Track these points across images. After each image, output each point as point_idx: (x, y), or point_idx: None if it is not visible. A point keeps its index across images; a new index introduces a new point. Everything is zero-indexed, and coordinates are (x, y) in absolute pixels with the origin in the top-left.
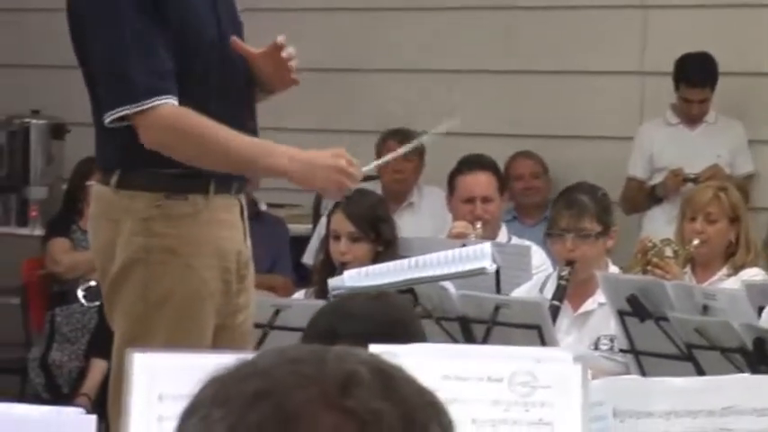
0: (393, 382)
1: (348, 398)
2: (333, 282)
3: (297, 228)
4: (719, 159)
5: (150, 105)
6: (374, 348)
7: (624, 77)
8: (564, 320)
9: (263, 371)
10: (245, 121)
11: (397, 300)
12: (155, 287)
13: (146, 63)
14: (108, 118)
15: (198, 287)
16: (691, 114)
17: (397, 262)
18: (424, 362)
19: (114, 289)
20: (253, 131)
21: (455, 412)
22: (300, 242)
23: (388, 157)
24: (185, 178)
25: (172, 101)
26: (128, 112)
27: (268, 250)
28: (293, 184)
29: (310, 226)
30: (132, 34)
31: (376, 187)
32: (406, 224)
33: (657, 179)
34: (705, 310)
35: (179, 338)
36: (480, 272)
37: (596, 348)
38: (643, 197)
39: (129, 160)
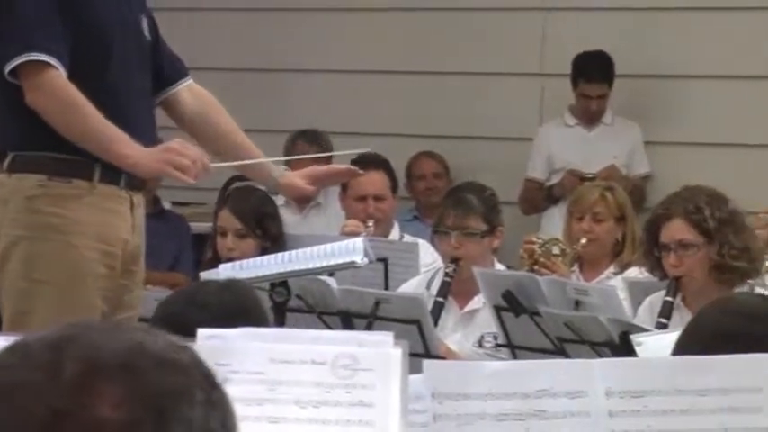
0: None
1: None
2: (206, 275)
3: (201, 226)
4: (616, 160)
5: (41, 59)
6: (203, 333)
7: (524, 79)
8: (450, 318)
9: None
10: (140, 126)
11: (244, 288)
12: (37, 264)
13: (45, 28)
14: (7, 69)
15: (79, 263)
16: (589, 112)
17: (272, 256)
18: (251, 345)
19: (1, 268)
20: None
21: (280, 394)
22: (205, 240)
23: (248, 161)
24: (70, 163)
25: (62, 70)
26: (24, 59)
27: (170, 248)
28: (139, 172)
29: None
30: (38, 8)
31: None
32: (314, 224)
33: (555, 180)
34: (577, 305)
35: (63, 315)
36: (351, 265)
37: (481, 346)
38: (541, 197)
39: (22, 144)
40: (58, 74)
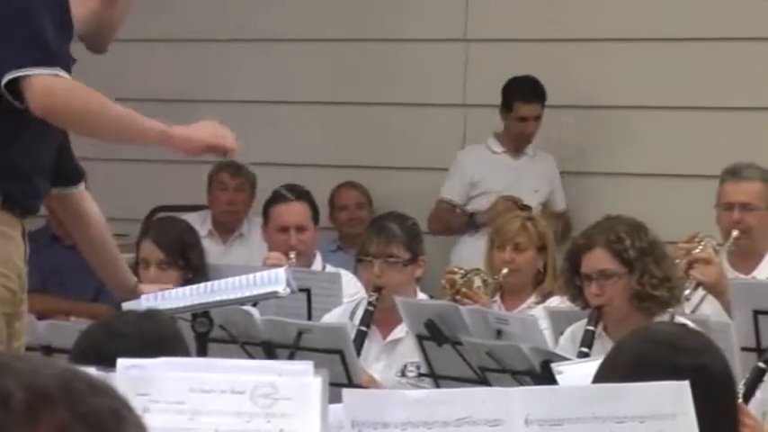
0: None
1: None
2: (128, 305)
3: (123, 257)
4: (537, 194)
5: (58, 73)
6: (123, 363)
7: (447, 109)
8: (373, 347)
9: None
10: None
11: (164, 318)
12: None
13: (55, 40)
14: (15, 74)
15: None
16: (524, 135)
17: (194, 286)
18: (171, 375)
19: None
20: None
21: (200, 424)
22: None
23: None
24: None
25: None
26: (43, 72)
27: (93, 279)
28: (174, 148)
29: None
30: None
31: (206, 218)
32: (237, 255)
33: (476, 204)
34: (499, 334)
35: None
36: (273, 296)
37: (403, 375)
38: (458, 221)
39: None
40: (67, 79)
